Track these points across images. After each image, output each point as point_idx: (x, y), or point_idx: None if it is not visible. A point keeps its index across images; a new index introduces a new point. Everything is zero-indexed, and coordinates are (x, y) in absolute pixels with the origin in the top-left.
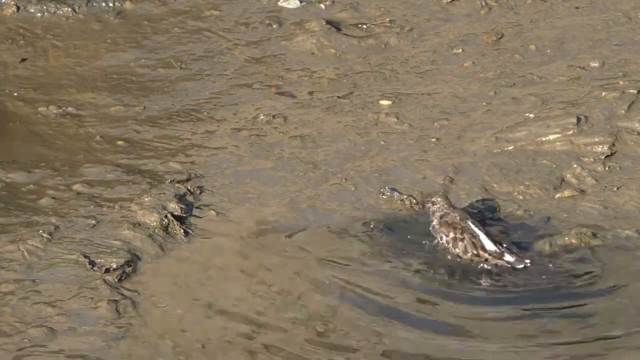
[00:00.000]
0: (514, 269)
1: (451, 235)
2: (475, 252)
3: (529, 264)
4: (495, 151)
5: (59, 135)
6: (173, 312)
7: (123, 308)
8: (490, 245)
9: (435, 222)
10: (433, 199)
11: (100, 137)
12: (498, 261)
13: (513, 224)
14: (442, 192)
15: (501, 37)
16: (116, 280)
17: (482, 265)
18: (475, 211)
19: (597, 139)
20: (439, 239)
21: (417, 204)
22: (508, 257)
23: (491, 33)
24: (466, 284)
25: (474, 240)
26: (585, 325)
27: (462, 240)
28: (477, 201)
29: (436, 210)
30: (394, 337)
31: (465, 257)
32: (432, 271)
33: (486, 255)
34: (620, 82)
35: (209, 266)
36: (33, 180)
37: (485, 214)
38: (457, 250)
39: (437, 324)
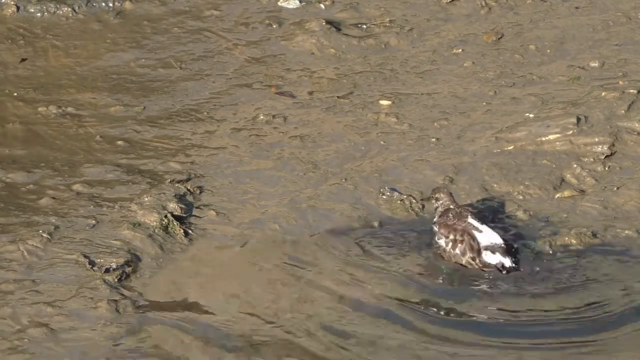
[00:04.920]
0: (503, 268)
1: (451, 237)
2: (472, 255)
3: (518, 269)
4: (495, 151)
5: (59, 135)
6: (173, 312)
7: (123, 308)
8: (496, 238)
9: (435, 219)
10: (437, 195)
11: (100, 137)
12: (495, 256)
13: (513, 224)
14: (446, 189)
15: (501, 37)
16: (116, 280)
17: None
18: (475, 211)
19: (597, 139)
20: (437, 239)
21: (417, 202)
22: (505, 260)
23: (491, 33)
24: None
25: (472, 243)
26: None
27: (461, 242)
28: (477, 201)
29: (439, 207)
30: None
31: (463, 259)
32: None
33: (483, 260)
34: (620, 82)
35: (209, 266)
36: (33, 180)
37: (485, 214)
38: (456, 251)
39: None
